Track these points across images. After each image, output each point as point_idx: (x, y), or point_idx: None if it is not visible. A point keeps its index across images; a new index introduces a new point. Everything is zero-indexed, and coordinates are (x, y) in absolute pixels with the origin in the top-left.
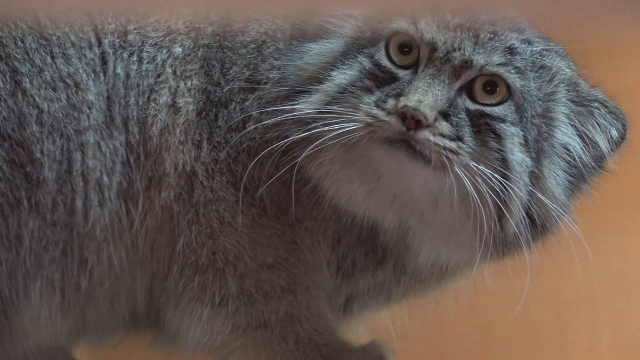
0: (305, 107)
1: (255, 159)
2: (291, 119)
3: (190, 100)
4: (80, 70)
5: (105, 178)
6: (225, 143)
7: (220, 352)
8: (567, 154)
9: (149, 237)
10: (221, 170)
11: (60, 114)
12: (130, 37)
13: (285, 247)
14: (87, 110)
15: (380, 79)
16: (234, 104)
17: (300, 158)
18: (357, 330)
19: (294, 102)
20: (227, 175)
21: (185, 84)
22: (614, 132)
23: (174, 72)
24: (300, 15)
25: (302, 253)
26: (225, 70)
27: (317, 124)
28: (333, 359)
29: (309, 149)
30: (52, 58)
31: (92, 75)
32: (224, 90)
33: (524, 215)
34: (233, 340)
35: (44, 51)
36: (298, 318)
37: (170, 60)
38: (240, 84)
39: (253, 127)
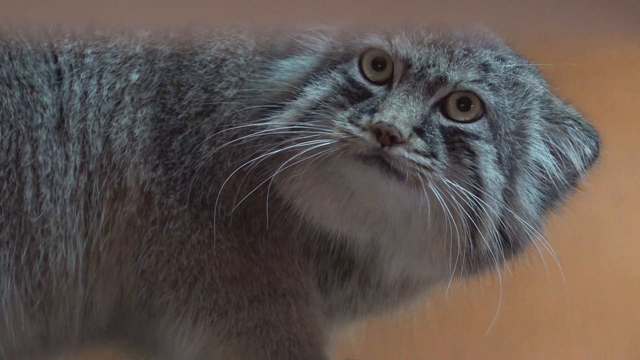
0: (277, 123)
1: (227, 179)
2: (263, 135)
3: (145, 128)
4: (36, 76)
5: (57, 176)
6: (180, 164)
7: None
8: (541, 171)
9: (114, 249)
10: (175, 189)
11: (12, 108)
12: (87, 60)
13: (246, 260)
14: (42, 110)
15: (353, 95)
16: (189, 128)
17: (273, 176)
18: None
19: (266, 119)
20: (180, 194)
21: (141, 112)
22: (588, 150)
23: (132, 99)
24: (270, 31)
25: (270, 262)
26: (181, 94)
27: (290, 141)
28: None
29: (281, 166)
30: (10, 58)
31: (47, 84)
32: (179, 116)
33: (497, 232)
34: (215, 349)
35: (2, 50)
36: (274, 325)
37: (128, 89)
38: (196, 109)
39: (207, 149)
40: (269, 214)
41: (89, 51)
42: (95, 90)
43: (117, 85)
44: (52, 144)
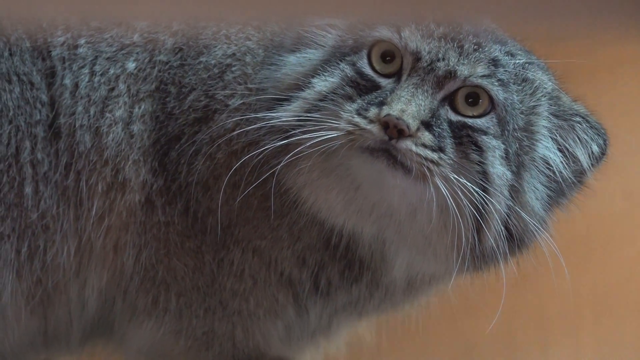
0: (283, 114)
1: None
2: (270, 127)
3: (144, 128)
4: (35, 73)
5: (51, 174)
6: (178, 175)
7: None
8: (548, 168)
9: (111, 235)
10: (176, 200)
11: (12, 104)
12: (80, 50)
13: (212, 273)
14: (40, 107)
15: (362, 87)
16: (186, 136)
17: (279, 167)
18: (339, 347)
19: (273, 111)
20: (181, 205)
21: (139, 107)
22: (595, 147)
23: (128, 89)
24: (280, 26)
25: (227, 281)
26: (182, 96)
27: (296, 132)
28: None
29: (287, 157)
30: (10, 54)
31: (45, 81)
32: (178, 122)
33: (502, 228)
34: (163, 345)
35: (2, 45)
36: (219, 336)
37: (123, 77)
38: (195, 115)
39: (202, 162)
40: (261, 220)
41: (82, 41)
42: (86, 79)
43: (111, 71)
44: (47, 141)
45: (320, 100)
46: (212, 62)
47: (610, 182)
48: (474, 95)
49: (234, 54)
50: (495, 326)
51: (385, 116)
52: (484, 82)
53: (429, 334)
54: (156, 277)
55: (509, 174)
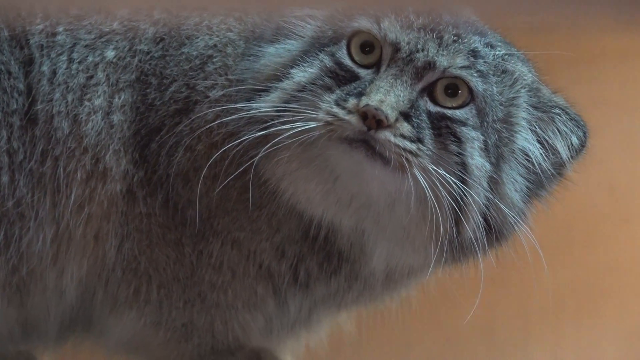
0: (263, 105)
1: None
2: (248, 118)
3: (124, 118)
4: (13, 62)
5: (26, 162)
6: (158, 167)
7: (142, 351)
8: (527, 159)
9: (92, 225)
10: (157, 192)
11: None
12: (59, 37)
13: (191, 265)
14: (17, 96)
15: (341, 78)
16: (166, 128)
17: (258, 158)
18: (320, 339)
19: (251, 102)
20: (162, 197)
21: (119, 97)
22: (575, 140)
23: (107, 78)
24: (260, 17)
25: (206, 273)
26: (163, 88)
27: (275, 123)
28: None
29: (265, 148)
30: None
31: (22, 70)
32: (159, 113)
33: (481, 220)
34: (142, 336)
35: None
36: (198, 328)
37: (102, 65)
38: (175, 106)
39: (182, 154)
40: (240, 212)
41: (61, 29)
42: (64, 66)
43: (90, 59)
44: (23, 129)
45: (299, 90)
46: (194, 53)
47: (592, 175)
48: (453, 87)
49: (215, 45)
50: (476, 319)
51: (364, 107)
52: (463, 73)
53: (409, 325)
54: (138, 268)
55: (487, 166)
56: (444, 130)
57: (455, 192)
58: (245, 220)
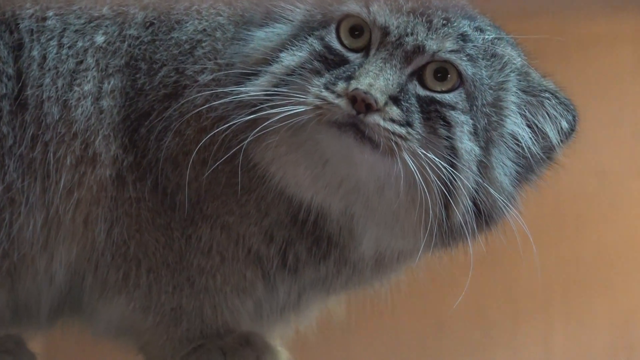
0: (251, 89)
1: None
2: (237, 102)
3: (114, 104)
4: (2, 47)
5: (16, 147)
6: (147, 151)
7: (131, 335)
8: (517, 144)
9: (81, 209)
10: (146, 176)
11: None
12: (49, 22)
13: (180, 250)
14: (6, 81)
15: (330, 62)
16: (155, 112)
17: (247, 142)
18: (308, 324)
19: (240, 86)
20: (151, 181)
21: (109, 82)
22: (564, 124)
23: (97, 63)
24: (248, 1)
25: (194, 258)
26: (153, 72)
27: (264, 106)
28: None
29: (254, 131)
30: None
31: (12, 55)
32: (148, 98)
33: (470, 204)
34: (131, 320)
35: None
36: (187, 312)
37: (92, 50)
38: (165, 91)
39: (171, 139)
40: (229, 196)
41: (50, 13)
42: (54, 51)
43: (79, 44)
44: (13, 114)
45: (288, 74)
46: (183, 37)
47: (582, 159)
48: (443, 70)
49: (204, 30)
50: (466, 303)
51: (353, 90)
52: (453, 57)
53: (399, 309)
54: (128, 252)
55: (477, 150)
56: (434, 114)
57: (445, 176)
58: (234, 205)
